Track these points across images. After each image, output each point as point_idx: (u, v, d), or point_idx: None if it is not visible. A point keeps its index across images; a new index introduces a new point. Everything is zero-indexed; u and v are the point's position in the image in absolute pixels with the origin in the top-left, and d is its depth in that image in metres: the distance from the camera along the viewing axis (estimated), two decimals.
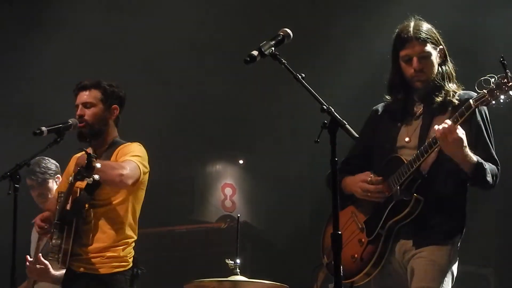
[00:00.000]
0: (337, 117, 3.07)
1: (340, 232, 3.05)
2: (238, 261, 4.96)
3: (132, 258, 4.52)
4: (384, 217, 3.88)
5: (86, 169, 4.09)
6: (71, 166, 4.67)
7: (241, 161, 11.66)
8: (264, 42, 3.29)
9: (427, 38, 3.92)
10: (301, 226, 9.73)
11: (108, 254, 4.43)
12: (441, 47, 3.98)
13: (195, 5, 8.55)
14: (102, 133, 4.59)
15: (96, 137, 4.58)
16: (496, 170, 3.86)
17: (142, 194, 4.56)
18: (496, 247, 8.73)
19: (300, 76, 3.19)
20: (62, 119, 4.49)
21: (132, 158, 4.40)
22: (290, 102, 8.58)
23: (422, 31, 3.92)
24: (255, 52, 3.24)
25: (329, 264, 4.15)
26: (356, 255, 3.96)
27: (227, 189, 11.60)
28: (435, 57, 3.95)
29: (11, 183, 4.35)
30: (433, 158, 3.83)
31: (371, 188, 3.93)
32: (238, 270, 4.93)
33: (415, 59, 3.92)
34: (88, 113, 4.54)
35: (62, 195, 4.47)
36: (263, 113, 9.87)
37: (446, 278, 3.82)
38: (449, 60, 4.02)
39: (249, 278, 4.93)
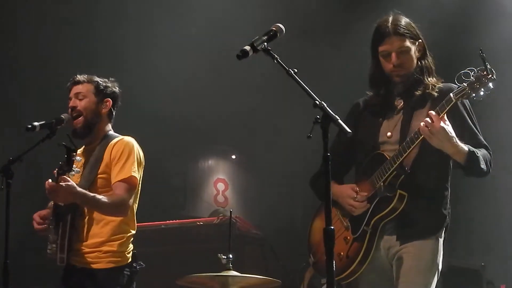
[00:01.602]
0: (329, 112, 3.07)
1: (333, 227, 3.04)
2: (230, 256, 4.97)
3: (130, 253, 4.52)
4: (368, 214, 3.89)
5: (66, 163, 4.15)
6: None
7: (233, 156, 11.66)
8: (257, 37, 3.29)
9: (406, 33, 3.91)
10: (293, 221, 9.75)
11: (105, 249, 4.42)
12: (420, 41, 3.97)
13: None
14: (95, 126, 4.59)
15: (90, 131, 4.58)
16: (489, 155, 3.87)
17: (138, 189, 4.57)
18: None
19: (292, 71, 3.19)
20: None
21: (123, 178, 4.40)
22: (283, 96, 8.59)
23: (400, 26, 3.91)
24: (247, 47, 3.24)
25: (315, 263, 4.16)
26: (342, 253, 3.96)
27: (220, 184, 11.60)
28: (414, 52, 3.94)
29: (3, 179, 4.35)
30: (415, 153, 3.82)
31: (357, 205, 3.94)
32: (230, 265, 4.94)
33: (393, 55, 3.91)
34: (81, 104, 4.56)
35: None
36: (255, 108, 9.87)
37: (431, 272, 3.85)
38: (428, 54, 4.01)
39: (241, 273, 4.94)
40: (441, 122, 3.61)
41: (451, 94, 3.60)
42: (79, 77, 4.63)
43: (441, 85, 3.95)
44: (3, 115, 8.29)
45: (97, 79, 4.65)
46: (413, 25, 3.98)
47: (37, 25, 8.42)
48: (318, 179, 4.18)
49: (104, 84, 4.65)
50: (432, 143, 3.68)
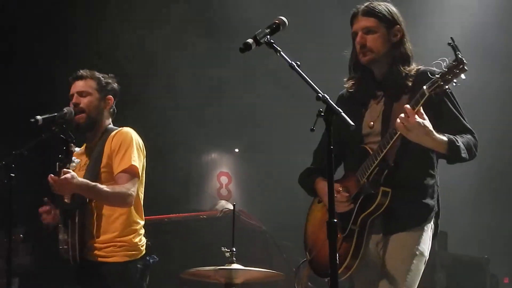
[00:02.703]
0: (332, 105, 3.06)
1: (336, 220, 3.02)
2: (234, 249, 4.97)
3: (144, 246, 4.54)
4: (355, 212, 3.82)
5: (65, 155, 4.17)
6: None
7: (236, 150, 11.66)
8: (260, 30, 3.27)
9: (377, 13, 3.83)
10: (296, 214, 9.73)
11: (119, 243, 4.43)
12: (397, 26, 3.86)
13: None
14: (97, 123, 4.59)
15: (92, 127, 4.58)
16: (473, 139, 3.77)
17: (143, 178, 4.58)
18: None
19: (295, 64, 3.18)
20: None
21: (125, 167, 4.41)
22: (286, 89, 8.58)
23: (371, 7, 3.84)
24: (250, 40, 3.22)
25: (311, 261, 4.12)
26: None
27: (223, 177, 11.61)
28: (385, 35, 3.84)
29: (6, 172, 4.36)
30: (397, 146, 3.73)
31: (337, 205, 3.77)
32: (234, 258, 4.94)
33: (359, 34, 3.85)
34: (84, 101, 4.55)
35: None
36: (258, 101, 9.86)
37: (415, 260, 3.77)
38: (407, 41, 3.89)
39: (244, 267, 4.94)
40: (417, 116, 3.51)
41: (424, 87, 3.48)
42: (82, 73, 4.62)
43: (421, 69, 3.81)
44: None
45: (99, 75, 4.64)
46: (392, 10, 3.88)
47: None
48: (308, 176, 4.17)
49: (105, 80, 4.64)
50: (410, 139, 3.60)
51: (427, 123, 3.55)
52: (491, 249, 8.70)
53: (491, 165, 9.11)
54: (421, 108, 3.53)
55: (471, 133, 3.81)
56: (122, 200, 4.38)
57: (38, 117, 4.37)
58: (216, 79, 9.48)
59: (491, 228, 8.96)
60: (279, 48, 3.24)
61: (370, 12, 3.84)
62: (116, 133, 4.54)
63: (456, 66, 3.37)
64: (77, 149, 4.27)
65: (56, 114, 4.44)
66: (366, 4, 3.88)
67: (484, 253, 8.48)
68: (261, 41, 3.24)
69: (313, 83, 3.15)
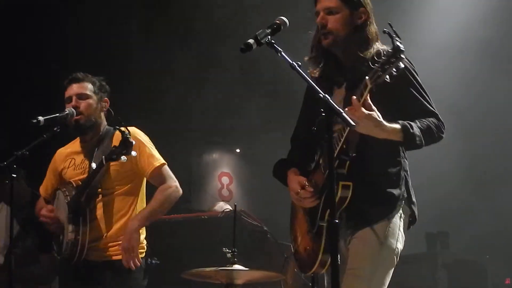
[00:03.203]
0: (333, 105, 3.04)
1: (337, 221, 2.99)
2: (235, 250, 4.97)
3: (145, 244, 4.57)
4: (320, 207, 3.66)
5: (123, 146, 4.11)
6: (57, 162, 4.70)
7: (238, 150, 11.66)
8: (261, 30, 3.26)
9: None
10: None
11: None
12: (362, 9, 3.69)
13: None
14: (95, 125, 4.61)
15: (90, 129, 4.60)
16: (435, 121, 3.61)
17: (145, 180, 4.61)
18: None
19: (296, 64, 3.18)
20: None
21: (160, 164, 4.52)
22: (287, 89, 8.57)
23: None
24: (251, 41, 3.22)
25: (295, 253, 3.97)
26: (308, 247, 3.79)
27: (224, 178, 11.61)
28: (346, 16, 3.67)
29: (8, 173, 4.37)
30: (358, 136, 3.52)
31: (300, 200, 3.74)
32: (235, 259, 4.94)
33: (320, 14, 3.71)
34: (83, 104, 4.56)
35: (63, 190, 4.49)
36: (259, 102, 9.86)
37: (379, 256, 3.61)
38: (371, 23, 3.71)
39: (246, 267, 4.94)
40: (363, 109, 3.33)
41: (366, 78, 3.28)
42: (79, 75, 4.63)
43: (379, 49, 3.55)
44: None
45: (94, 78, 4.66)
46: None
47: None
48: (280, 168, 4.01)
49: (99, 82, 4.66)
50: (359, 131, 3.44)
51: (375, 114, 3.38)
52: (493, 249, 8.69)
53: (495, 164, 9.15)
54: (368, 98, 3.34)
55: (434, 115, 3.65)
56: (175, 196, 4.51)
57: (40, 117, 4.39)
58: (216, 81, 9.47)
59: (492, 228, 8.95)
60: (280, 49, 3.22)
61: None
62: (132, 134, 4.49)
63: (393, 55, 3.17)
64: (133, 141, 4.17)
65: (57, 114, 4.45)
66: None
67: (486, 253, 8.47)
68: (262, 41, 3.22)
69: (314, 84, 3.14)
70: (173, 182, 4.50)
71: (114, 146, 4.16)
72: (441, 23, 8.93)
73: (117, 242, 4.43)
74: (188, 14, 8.91)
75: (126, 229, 4.35)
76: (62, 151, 4.73)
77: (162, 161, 4.51)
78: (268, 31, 3.27)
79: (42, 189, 4.82)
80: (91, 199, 4.42)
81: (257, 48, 3.25)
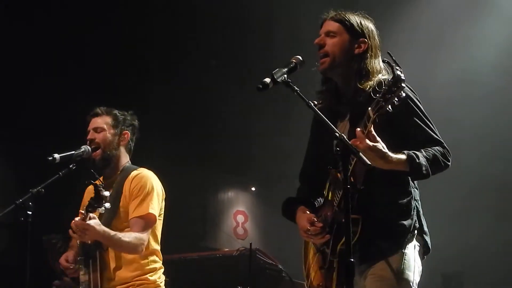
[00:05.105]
0: (349, 144, 3.05)
1: (352, 260, 2.98)
2: None
3: (163, 283, 4.53)
4: (331, 242, 3.61)
5: (95, 200, 4.11)
6: (85, 197, 4.70)
7: (253, 188, 11.65)
8: (277, 69, 3.28)
9: (344, 20, 3.68)
10: None
11: (138, 282, 4.43)
12: (364, 39, 3.67)
13: None
14: (113, 158, 4.60)
15: (108, 163, 4.59)
16: (441, 149, 3.57)
17: (161, 221, 4.59)
18: None
19: (312, 104, 3.18)
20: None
21: (143, 214, 4.41)
22: (303, 128, 8.58)
23: (340, 13, 3.71)
24: (267, 80, 3.23)
25: None
26: (320, 284, 3.74)
27: (239, 216, 11.58)
28: (345, 42, 3.65)
29: (23, 211, 4.37)
30: (364, 169, 3.38)
31: (311, 238, 3.70)
32: None
33: (321, 36, 3.70)
34: (99, 136, 4.58)
35: None
36: (275, 140, 9.87)
37: None
38: (372, 57, 3.65)
39: None
40: (367, 140, 3.28)
41: (369, 109, 3.24)
42: (98, 110, 4.66)
43: (380, 79, 3.51)
44: None
45: (115, 111, 4.67)
46: (365, 24, 3.71)
47: None
48: (288, 207, 4.01)
49: (122, 116, 4.67)
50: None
51: (380, 145, 3.33)
52: (471, 262, 8.62)
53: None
54: (372, 129, 3.29)
55: (439, 143, 3.61)
56: (134, 249, 4.38)
57: (56, 155, 4.40)
58: (234, 118, 9.51)
59: (472, 240, 8.82)
60: (296, 88, 3.23)
61: (337, 18, 3.70)
62: (137, 175, 4.53)
63: (395, 84, 3.13)
64: (106, 193, 4.16)
65: (73, 152, 4.47)
66: (337, 12, 3.74)
67: (464, 266, 8.40)
68: (278, 80, 3.23)
69: (330, 123, 3.14)
70: (144, 237, 4.41)
71: (91, 197, 4.14)
72: None
73: (130, 283, 4.41)
74: None
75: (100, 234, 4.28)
76: (89, 189, 4.72)
77: (148, 211, 4.43)
78: (285, 70, 3.29)
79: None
80: (101, 243, 4.41)
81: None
